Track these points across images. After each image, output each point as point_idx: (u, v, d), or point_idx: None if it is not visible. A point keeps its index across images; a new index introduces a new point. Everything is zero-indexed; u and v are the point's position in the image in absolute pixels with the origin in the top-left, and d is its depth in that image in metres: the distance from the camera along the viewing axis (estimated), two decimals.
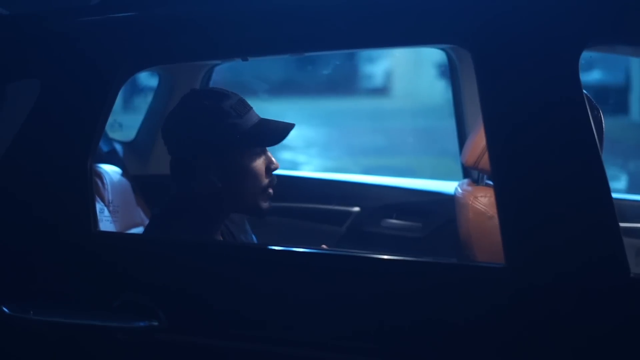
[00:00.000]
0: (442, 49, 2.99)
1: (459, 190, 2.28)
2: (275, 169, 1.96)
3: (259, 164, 1.92)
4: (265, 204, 1.94)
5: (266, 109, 1.99)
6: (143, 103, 3.49)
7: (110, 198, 2.56)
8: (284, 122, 1.96)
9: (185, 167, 1.90)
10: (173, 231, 1.90)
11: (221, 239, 1.99)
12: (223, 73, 3.64)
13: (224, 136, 1.88)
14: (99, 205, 2.42)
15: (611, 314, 1.53)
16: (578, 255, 1.54)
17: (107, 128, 2.90)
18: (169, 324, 1.65)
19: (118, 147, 3.26)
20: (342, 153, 10.06)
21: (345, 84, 11.51)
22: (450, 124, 3.09)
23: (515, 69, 1.60)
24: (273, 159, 1.96)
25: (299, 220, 3.09)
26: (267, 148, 1.97)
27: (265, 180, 1.93)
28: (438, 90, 9.44)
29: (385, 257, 1.65)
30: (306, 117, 10.42)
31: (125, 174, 2.82)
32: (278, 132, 1.93)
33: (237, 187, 1.90)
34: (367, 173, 5.22)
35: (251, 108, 1.95)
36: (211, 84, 3.18)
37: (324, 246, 2.14)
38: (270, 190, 1.95)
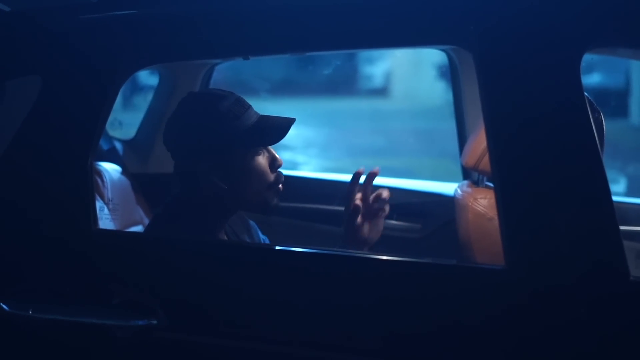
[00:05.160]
0: (443, 50, 2.99)
1: (459, 191, 2.28)
2: (279, 165, 1.93)
3: (262, 162, 1.90)
4: (273, 201, 1.92)
5: (266, 108, 1.97)
6: (143, 101, 3.49)
7: (110, 196, 2.57)
8: (283, 118, 1.92)
9: (189, 171, 1.89)
10: (175, 230, 1.89)
11: (225, 238, 1.98)
12: (224, 72, 3.63)
13: (223, 139, 1.86)
14: (98, 204, 2.42)
15: (610, 316, 1.53)
16: (578, 258, 1.54)
17: (108, 126, 2.90)
18: (169, 322, 1.65)
19: (118, 145, 3.26)
20: (341, 153, 10.04)
21: (346, 84, 11.49)
22: (451, 126, 3.09)
23: (517, 71, 1.60)
24: (277, 155, 1.93)
25: (298, 220, 3.09)
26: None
27: (271, 178, 1.91)
28: (438, 92, 9.43)
29: (385, 257, 1.65)
30: (306, 117, 10.40)
31: (125, 172, 2.82)
32: (279, 129, 1.89)
33: (242, 187, 1.89)
34: (366, 174, 5.21)
35: (249, 106, 1.93)
36: (212, 83, 3.17)
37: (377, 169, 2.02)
38: (280, 186, 1.93)
